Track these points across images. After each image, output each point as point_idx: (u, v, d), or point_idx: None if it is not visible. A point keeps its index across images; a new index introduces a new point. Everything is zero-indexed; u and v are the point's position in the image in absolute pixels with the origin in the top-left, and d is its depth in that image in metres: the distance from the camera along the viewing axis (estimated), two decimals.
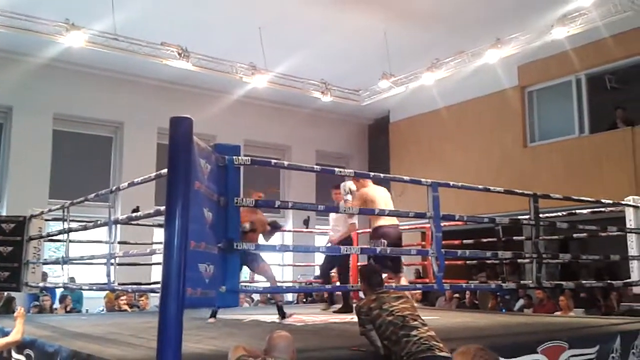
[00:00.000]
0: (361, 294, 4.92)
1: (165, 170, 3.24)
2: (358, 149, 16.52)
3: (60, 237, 7.39)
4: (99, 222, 6.19)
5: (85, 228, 6.69)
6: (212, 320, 6.39)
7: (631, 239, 7.03)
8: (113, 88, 12.44)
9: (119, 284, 6.20)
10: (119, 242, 7.23)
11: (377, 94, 13.00)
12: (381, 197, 6.64)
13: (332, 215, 7.97)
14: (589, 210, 7.91)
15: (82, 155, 12.58)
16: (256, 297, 11.79)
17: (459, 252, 6.22)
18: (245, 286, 4.84)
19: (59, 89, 11.92)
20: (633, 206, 7.09)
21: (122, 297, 9.99)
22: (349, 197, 6.81)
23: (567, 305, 9.06)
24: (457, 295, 11.47)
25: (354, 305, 6.71)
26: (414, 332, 3.76)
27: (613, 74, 11.65)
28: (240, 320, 6.68)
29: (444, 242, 5.84)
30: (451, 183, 5.79)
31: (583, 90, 11.70)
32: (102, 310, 10.16)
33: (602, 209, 7.64)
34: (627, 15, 9.04)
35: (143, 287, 7.29)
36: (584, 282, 9.05)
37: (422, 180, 5.35)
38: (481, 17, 10.08)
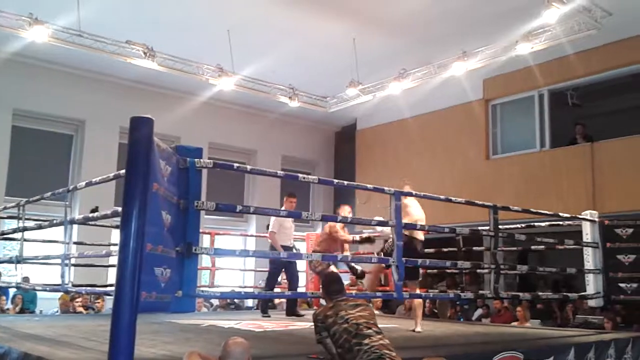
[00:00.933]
0: (322, 301, 4.90)
1: (124, 171, 3.18)
2: (324, 156, 16.54)
3: (15, 235, 7.20)
4: (54, 222, 6.04)
5: (40, 227, 6.53)
6: None
7: (587, 252, 7.18)
8: (76, 85, 12.18)
9: (73, 286, 6.06)
10: (75, 243, 7.06)
11: (344, 102, 13.04)
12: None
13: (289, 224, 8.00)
14: (547, 223, 8.05)
15: (42, 153, 12.29)
16: (215, 302, 11.68)
17: (419, 260, 6.25)
18: (202, 291, 4.76)
19: (20, 84, 11.61)
20: (590, 220, 7.24)
21: (77, 299, 9.78)
22: None
23: (523, 316, 9.19)
24: None
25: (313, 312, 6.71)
26: (366, 341, 3.75)
27: (575, 91, 11.92)
28: (198, 325, 6.59)
29: None
30: (414, 192, 5.84)
31: (545, 105, 11.94)
32: (57, 311, 9.92)
33: (560, 222, 7.79)
34: (589, 34, 9.26)
35: (97, 289, 7.14)
36: (540, 293, 9.21)
37: (385, 188, 5.37)
38: (449, 30, 10.20)
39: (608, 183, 10.50)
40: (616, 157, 10.57)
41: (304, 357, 4.22)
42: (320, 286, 4.58)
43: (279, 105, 13.12)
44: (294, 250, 8.41)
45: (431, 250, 8.35)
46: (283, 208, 8.21)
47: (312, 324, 4.11)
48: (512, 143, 12.46)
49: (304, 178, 5.16)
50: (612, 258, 7.18)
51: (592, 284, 7.12)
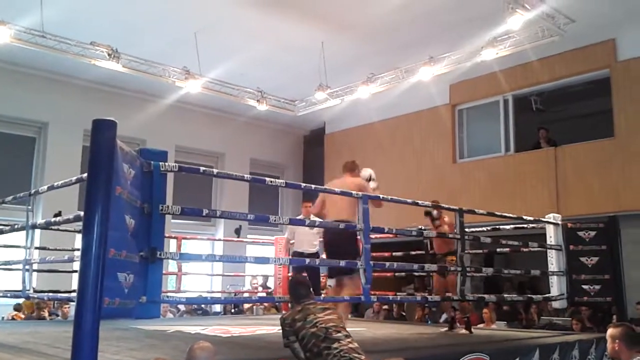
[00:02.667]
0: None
1: (86, 175, 3.11)
2: (293, 159, 16.51)
3: None
4: (16, 226, 5.89)
5: (1, 232, 6.37)
6: None
7: (551, 254, 7.30)
8: (39, 87, 11.93)
9: (35, 291, 5.92)
10: (37, 248, 6.90)
11: (312, 105, 13.05)
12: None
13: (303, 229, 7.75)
14: (512, 226, 8.16)
15: (3, 156, 11.98)
16: (181, 307, 11.54)
17: (387, 264, 6.28)
18: (168, 296, 4.69)
19: None
20: (553, 223, 7.36)
21: (43, 309, 9.58)
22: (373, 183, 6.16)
23: (490, 317, 9.29)
24: (386, 307, 11.60)
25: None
26: (335, 345, 3.74)
27: (539, 96, 12.14)
28: (164, 332, 6.49)
29: (374, 254, 5.88)
30: (381, 196, 5.85)
31: (510, 110, 12.13)
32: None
33: (524, 225, 7.90)
34: (552, 40, 9.43)
35: (60, 295, 6.98)
36: (505, 295, 9.33)
37: (353, 192, 5.38)
38: (416, 36, 10.29)
39: (571, 186, 10.70)
40: (579, 161, 10.79)
41: None
42: (288, 291, 4.53)
43: (247, 108, 13.06)
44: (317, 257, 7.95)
45: (399, 253, 8.40)
46: (301, 215, 8.03)
47: (280, 328, 4.09)
48: (478, 147, 12.63)
49: (271, 182, 5.14)
50: (575, 260, 7.31)
51: (556, 286, 7.25)
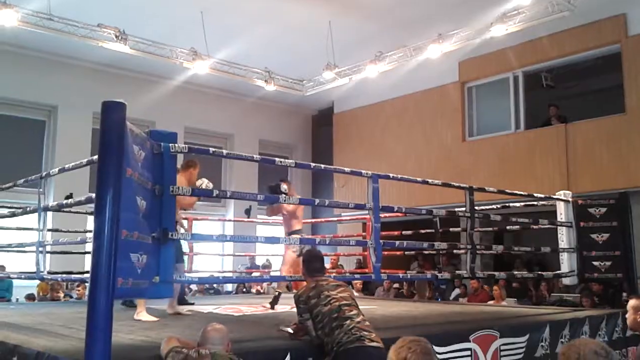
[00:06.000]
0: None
1: (96, 157, 3.13)
2: (302, 140, 16.52)
3: None
4: (28, 209, 5.95)
5: (14, 215, 6.43)
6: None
7: (561, 231, 7.28)
8: (47, 70, 11.96)
9: (49, 273, 5.99)
10: (50, 230, 6.95)
11: (320, 85, 13.01)
12: None
13: None
14: (523, 203, 8.14)
15: (14, 139, 12.06)
16: (193, 287, 11.64)
17: (397, 242, 6.30)
18: (180, 276, 4.73)
19: None
20: (564, 200, 7.34)
21: (58, 291, 9.70)
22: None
23: (500, 295, 9.33)
24: (396, 285, 11.65)
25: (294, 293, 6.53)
26: (347, 322, 3.75)
27: (549, 72, 12.01)
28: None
29: (384, 232, 5.89)
30: (391, 175, 5.84)
31: (520, 87, 12.02)
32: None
33: (535, 203, 7.88)
34: (563, 16, 9.32)
35: (73, 276, 7.05)
36: (515, 272, 9.34)
37: (363, 171, 5.38)
38: (424, 13, 10.20)
39: (581, 163, 10.64)
40: (589, 137, 10.71)
41: (283, 340, 4.21)
42: (302, 263, 4.45)
43: (255, 88, 13.04)
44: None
45: (409, 232, 8.41)
46: None
47: (290, 307, 4.10)
48: (488, 125, 12.55)
49: (281, 162, 5.14)
50: (586, 237, 7.29)
51: (567, 263, 7.23)
